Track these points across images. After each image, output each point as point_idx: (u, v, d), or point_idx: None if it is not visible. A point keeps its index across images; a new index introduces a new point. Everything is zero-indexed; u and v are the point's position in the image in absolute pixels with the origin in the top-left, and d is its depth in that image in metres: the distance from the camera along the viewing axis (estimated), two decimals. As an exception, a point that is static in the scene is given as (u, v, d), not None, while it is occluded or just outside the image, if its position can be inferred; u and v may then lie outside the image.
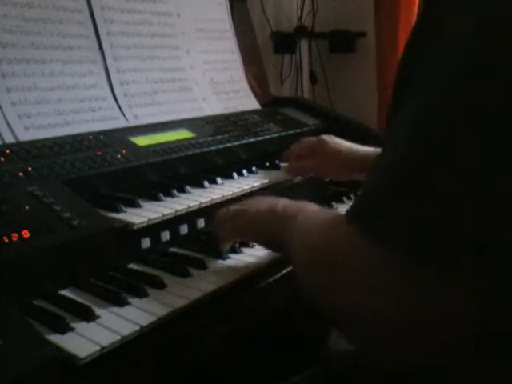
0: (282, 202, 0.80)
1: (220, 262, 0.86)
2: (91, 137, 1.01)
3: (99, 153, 0.96)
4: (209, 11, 1.44)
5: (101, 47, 1.14)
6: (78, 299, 0.73)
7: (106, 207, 0.86)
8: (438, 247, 0.46)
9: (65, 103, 1.03)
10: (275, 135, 1.32)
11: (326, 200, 1.15)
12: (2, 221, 0.70)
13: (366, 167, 1.09)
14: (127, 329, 0.65)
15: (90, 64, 1.11)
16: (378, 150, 1.10)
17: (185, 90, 1.29)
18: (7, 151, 0.88)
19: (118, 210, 0.85)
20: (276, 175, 1.15)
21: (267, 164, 1.20)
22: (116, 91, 1.14)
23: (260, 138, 1.26)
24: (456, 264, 0.46)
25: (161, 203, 0.91)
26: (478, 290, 0.47)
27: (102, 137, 1.02)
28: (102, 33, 1.14)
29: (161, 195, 0.93)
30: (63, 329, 0.64)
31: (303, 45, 2.30)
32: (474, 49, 0.45)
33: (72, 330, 0.65)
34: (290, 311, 0.94)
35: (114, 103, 1.13)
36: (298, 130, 1.36)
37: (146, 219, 0.83)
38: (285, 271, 0.86)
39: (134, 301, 0.72)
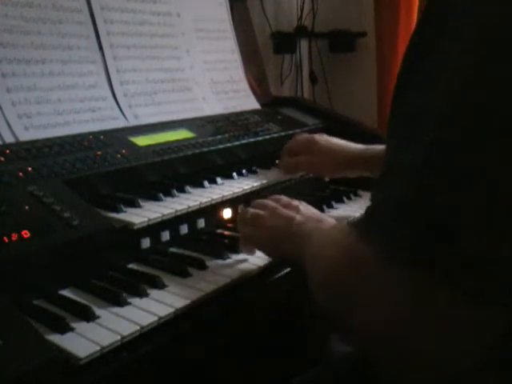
0: (299, 217, 0.79)
1: (220, 261, 0.86)
2: (91, 137, 1.01)
3: (99, 153, 0.96)
4: (209, 11, 1.44)
5: (101, 47, 1.14)
6: (78, 299, 0.73)
7: (106, 207, 0.86)
8: (460, 266, 0.45)
9: (65, 103, 1.03)
10: (275, 135, 1.32)
11: (325, 200, 1.15)
12: (2, 221, 0.70)
13: (358, 165, 1.11)
14: (127, 329, 0.65)
15: (89, 64, 1.10)
16: (371, 147, 1.11)
17: (185, 90, 1.29)
18: (7, 151, 0.88)
19: (117, 210, 0.85)
20: (276, 175, 1.15)
21: (267, 164, 1.20)
22: (116, 91, 1.14)
23: (260, 138, 1.26)
24: (482, 284, 0.44)
25: (161, 203, 0.91)
26: (504, 310, 0.45)
27: (101, 137, 1.02)
28: (102, 33, 1.14)
29: (161, 195, 0.93)
30: (63, 329, 0.64)
31: (303, 45, 2.30)
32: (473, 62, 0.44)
33: (72, 330, 0.65)
34: (290, 311, 0.94)
35: (114, 103, 1.13)
36: (298, 130, 1.36)
37: (146, 219, 0.83)
38: (285, 271, 0.86)
39: (134, 301, 0.72)
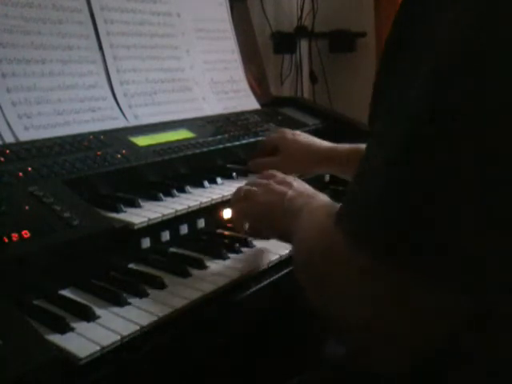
0: (291, 192, 0.79)
1: (220, 261, 0.86)
2: (91, 137, 1.01)
3: (99, 153, 0.96)
4: (209, 11, 1.44)
5: (101, 47, 1.14)
6: (78, 299, 0.73)
7: (106, 207, 0.86)
8: (433, 255, 0.45)
9: (65, 103, 1.03)
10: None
11: (325, 200, 1.15)
12: (2, 221, 0.70)
13: (324, 163, 1.12)
14: (127, 329, 0.65)
15: (89, 64, 1.11)
16: (339, 146, 1.12)
17: (185, 90, 1.29)
18: (7, 151, 0.88)
19: (117, 210, 0.85)
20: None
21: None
22: (116, 91, 1.14)
23: (260, 138, 1.26)
24: (453, 272, 0.45)
25: (161, 203, 0.91)
26: (474, 297, 0.46)
27: (102, 137, 1.02)
28: (102, 33, 1.14)
29: (161, 195, 0.93)
30: (63, 329, 0.64)
31: (303, 45, 2.30)
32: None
33: (72, 329, 0.65)
34: (290, 312, 0.94)
35: (114, 103, 1.13)
36: (298, 130, 1.36)
37: (146, 219, 0.83)
38: (285, 271, 0.86)
39: (134, 301, 0.72)
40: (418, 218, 0.45)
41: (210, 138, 1.17)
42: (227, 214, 1.01)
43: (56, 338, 0.63)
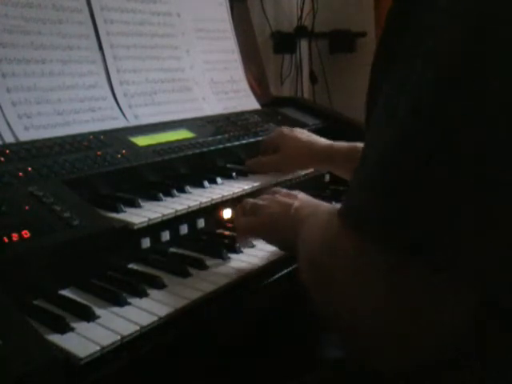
0: (297, 203, 0.80)
1: (220, 261, 0.86)
2: (91, 137, 1.01)
3: (99, 153, 0.96)
4: (209, 11, 1.44)
5: (101, 47, 1.14)
6: (78, 299, 0.73)
7: (106, 207, 0.86)
8: (435, 246, 0.46)
9: (65, 103, 1.03)
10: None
11: (325, 200, 1.15)
12: (2, 221, 0.70)
13: (323, 161, 1.13)
14: (127, 329, 0.65)
15: (89, 64, 1.11)
16: (336, 143, 1.13)
17: (185, 90, 1.29)
18: (7, 151, 0.88)
19: (118, 210, 0.85)
20: (276, 175, 1.15)
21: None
22: (116, 91, 1.14)
23: (260, 138, 1.26)
24: (453, 262, 0.46)
25: (161, 203, 0.91)
26: (475, 288, 0.47)
27: (102, 137, 1.02)
28: (102, 33, 1.14)
29: (161, 195, 0.93)
30: (63, 329, 0.64)
31: (303, 45, 2.30)
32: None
33: (72, 329, 0.65)
34: (290, 311, 0.94)
35: (114, 103, 1.13)
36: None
37: (146, 219, 0.83)
38: (285, 271, 0.86)
39: (134, 301, 0.72)
40: (418, 214, 0.46)
41: (210, 138, 1.17)
42: (227, 213, 1.01)
43: (56, 338, 0.63)
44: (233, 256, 0.88)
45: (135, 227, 0.82)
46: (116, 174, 0.95)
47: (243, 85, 1.48)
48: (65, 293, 0.75)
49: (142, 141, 1.06)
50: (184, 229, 0.93)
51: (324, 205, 0.79)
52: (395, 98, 0.49)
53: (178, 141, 1.11)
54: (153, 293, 0.75)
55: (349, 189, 0.56)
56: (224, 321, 0.78)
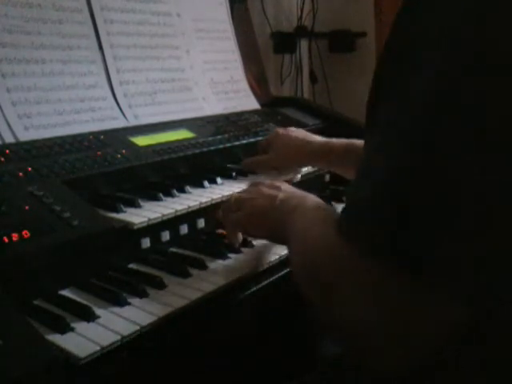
0: (282, 195, 0.79)
1: (220, 261, 0.86)
2: (91, 137, 1.01)
3: (99, 153, 0.96)
4: (209, 11, 1.44)
5: (101, 47, 1.14)
6: (78, 299, 0.73)
7: (106, 207, 0.86)
8: (433, 260, 0.46)
9: (65, 103, 1.03)
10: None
11: (325, 200, 1.15)
12: (1, 221, 0.70)
13: (317, 159, 1.13)
14: (127, 329, 0.65)
15: (89, 64, 1.11)
16: (331, 141, 1.14)
17: (185, 90, 1.29)
18: (7, 151, 0.88)
19: (117, 210, 0.85)
20: (276, 175, 1.15)
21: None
22: (116, 91, 1.14)
23: (260, 138, 1.26)
24: (454, 277, 0.46)
25: (161, 203, 0.91)
26: (477, 303, 0.47)
27: (102, 137, 1.02)
28: (102, 33, 1.14)
29: (161, 195, 0.93)
30: (63, 329, 0.64)
31: (303, 45, 2.30)
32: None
33: (72, 329, 0.65)
34: (290, 311, 0.94)
35: (114, 103, 1.13)
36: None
37: (146, 219, 0.83)
38: (285, 271, 0.86)
39: (134, 301, 0.72)
40: (418, 223, 0.46)
41: (210, 138, 1.17)
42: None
43: (56, 338, 0.63)
44: (233, 256, 0.88)
45: (135, 227, 0.82)
46: (116, 174, 0.95)
47: (243, 85, 1.48)
48: (65, 293, 0.75)
49: (141, 141, 1.06)
50: (184, 229, 0.93)
51: (309, 196, 0.78)
52: (394, 110, 0.49)
53: (177, 141, 1.11)
54: (153, 293, 0.75)
55: (347, 199, 0.57)
56: (224, 321, 0.78)
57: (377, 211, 0.49)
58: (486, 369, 0.51)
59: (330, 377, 0.79)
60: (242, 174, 1.12)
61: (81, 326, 0.66)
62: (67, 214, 0.76)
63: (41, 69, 1.02)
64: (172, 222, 0.90)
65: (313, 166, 1.20)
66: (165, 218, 0.86)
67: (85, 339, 0.63)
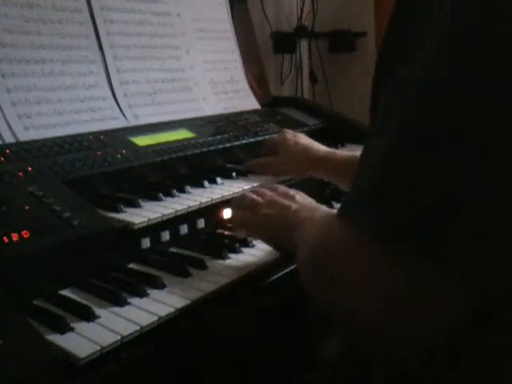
0: (295, 206, 0.81)
1: (220, 261, 0.86)
2: (91, 137, 1.01)
3: (99, 153, 0.96)
4: (209, 11, 1.44)
5: (101, 47, 1.14)
6: (78, 299, 0.73)
7: (106, 207, 0.86)
8: (432, 239, 0.46)
9: (65, 103, 1.03)
10: (275, 135, 1.32)
11: (325, 200, 1.15)
12: (2, 221, 0.70)
13: (320, 168, 1.13)
14: (127, 329, 0.65)
15: (89, 64, 1.11)
16: (334, 152, 1.14)
17: (185, 90, 1.29)
18: (7, 151, 0.88)
19: (117, 210, 0.85)
20: (271, 179, 1.14)
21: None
22: (116, 91, 1.14)
23: (260, 138, 1.26)
24: (453, 255, 0.46)
25: (161, 203, 0.91)
26: (476, 281, 0.47)
27: (102, 137, 1.02)
28: (102, 33, 1.14)
29: (161, 195, 0.93)
30: (63, 329, 0.64)
31: (303, 45, 2.30)
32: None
33: (72, 329, 0.65)
34: (290, 311, 0.94)
35: (114, 103, 1.13)
36: (298, 130, 1.36)
37: (146, 219, 0.83)
38: (285, 271, 0.86)
39: (134, 301, 0.72)
40: (419, 208, 0.46)
41: (210, 138, 1.17)
42: (227, 213, 1.01)
43: (56, 338, 0.63)
44: (233, 256, 0.88)
45: (135, 227, 0.82)
46: (116, 174, 0.95)
47: (243, 85, 1.48)
48: (65, 293, 0.75)
49: (141, 141, 1.06)
50: (184, 229, 0.93)
51: (321, 208, 0.81)
52: (391, 106, 0.49)
53: (177, 141, 1.11)
54: (153, 293, 0.75)
55: (350, 188, 0.56)
56: (224, 321, 0.78)
57: (380, 197, 0.49)
58: (487, 368, 0.51)
59: (330, 377, 0.79)
60: (242, 173, 1.12)
61: (81, 326, 0.66)
62: (67, 214, 0.76)
63: (41, 69, 1.02)
64: (172, 222, 0.90)
65: (313, 176, 1.19)
66: (165, 218, 0.86)
67: (85, 339, 0.63)
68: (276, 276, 0.86)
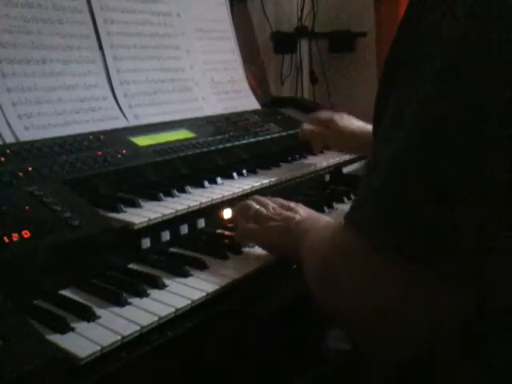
0: (298, 217, 0.83)
1: (220, 261, 0.86)
2: (91, 137, 1.01)
3: (99, 153, 0.96)
4: (209, 11, 1.44)
5: (101, 47, 1.14)
6: (78, 299, 0.73)
7: (106, 207, 0.86)
8: (436, 250, 0.46)
9: (65, 103, 1.03)
10: (275, 135, 1.32)
11: (326, 200, 1.15)
12: (2, 221, 0.70)
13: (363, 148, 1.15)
14: (127, 329, 0.65)
15: (90, 64, 1.11)
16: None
17: (185, 90, 1.29)
18: (7, 151, 0.88)
19: (118, 210, 0.85)
20: (276, 175, 1.15)
21: (267, 164, 1.20)
22: (116, 91, 1.14)
23: (260, 138, 1.26)
24: (455, 266, 0.46)
25: (161, 203, 0.91)
26: (476, 283, 0.47)
27: (102, 137, 1.02)
28: (102, 33, 1.14)
29: (161, 195, 0.93)
30: (63, 329, 0.64)
31: (303, 45, 2.30)
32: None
33: (72, 329, 0.65)
34: (290, 311, 0.94)
35: (114, 103, 1.13)
36: (298, 130, 1.36)
37: (146, 219, 0.83)
38: (285, 271, 0.86)
39: (134, 301, 0.72)
40: (421, 215, 0.46)
41: (210, 138, 1.17)
42: (227, 214, 1.01)
43: (56, 338, 0.63)
44: (233, 256, 0.88)
45: (135, 227, 0.82)
46: (116, 174, 0.95)
47: (243, 85, 1.48)
48: (65, 293, 0.75)
49: (142, 141, 1.06)
50: (184, 229, 0.93)
51: (323, 218, 0.83)
52: (399, 111, 0.50)
53: (178, 141, 1.11)
54: (153, 293, 0.75)
55: (357, 195, 0.57)
56: (224, 321, 0.78)
57: (382, 203, 0.49)
58: (486, 369, 0.51)
59: (331, 375, 0.79)
60: (241, 174, 1.12)
61: (81, 326, 0.66)
62: (67, 214, 0.76)
63: (41, 69, 1.02)
64: (172, 222, 0.90)
65: (363, 154, 1.26)
66: (165, 218, 0.86)
67: (85, 339, 0.63)
68: (277, 276, 0.86)
